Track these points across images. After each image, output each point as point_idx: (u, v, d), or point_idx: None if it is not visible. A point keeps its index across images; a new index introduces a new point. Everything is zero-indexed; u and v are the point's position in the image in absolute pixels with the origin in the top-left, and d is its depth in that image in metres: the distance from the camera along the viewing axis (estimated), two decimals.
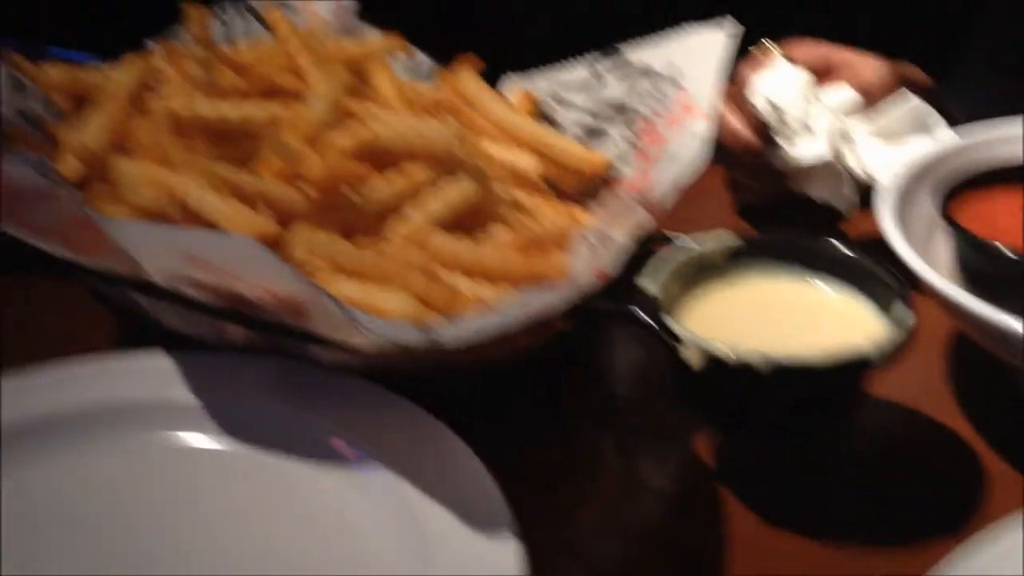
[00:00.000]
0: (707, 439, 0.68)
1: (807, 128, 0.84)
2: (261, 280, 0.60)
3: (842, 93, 0.86)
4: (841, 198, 0.85)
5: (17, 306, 0.82)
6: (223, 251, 0.60)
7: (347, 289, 0.63)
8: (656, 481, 0.69)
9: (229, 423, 0.66)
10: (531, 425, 0.71)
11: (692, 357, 0.60)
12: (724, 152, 0.87)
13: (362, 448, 0.63)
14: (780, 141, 0.85)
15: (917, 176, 0.76)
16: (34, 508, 0.61)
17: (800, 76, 0.86)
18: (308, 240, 0.63)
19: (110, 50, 0.88)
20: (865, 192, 0.83)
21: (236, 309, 0.65)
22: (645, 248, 0.70)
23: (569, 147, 0.79)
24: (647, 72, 0.82)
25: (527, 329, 0.62)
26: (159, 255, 0.63)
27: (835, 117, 0.85)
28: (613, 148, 0.81)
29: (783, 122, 0.84)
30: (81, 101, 0.81)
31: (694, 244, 0.69)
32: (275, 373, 0.67)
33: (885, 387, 0.67)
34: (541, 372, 0.72)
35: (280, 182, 0.67)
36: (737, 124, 0.87)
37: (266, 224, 0.65)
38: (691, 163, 0.73)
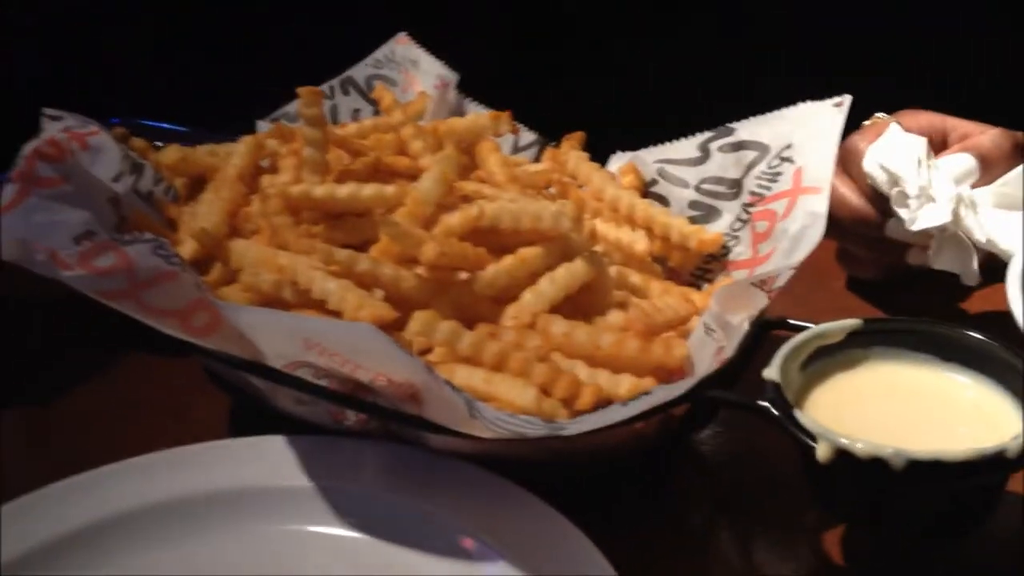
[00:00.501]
0: (836, 535, 0.66)
1: (926, 195, 0.81)
2: (380, 366, 0.60)
3: (961, 161, 0.83)
4: (965, 268, 0.81)
5: (130, 383, 0.83)
6: (342, 337, 0.60)
7: (467, 377, 0.62)
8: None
9: (344, 509, 0.65)
10: (643, 510, 0.69)
11: (821, 450, 0.58)
12: (836, 224, 0.85)
13: (479, 537, 0.62)
14: (897, 209, 0.82)
15: None
16: None
17: (917, 142, 0.82)
18: (427, 326, 0.62)
19: (221, 128, 0.90)
20: (987, 262, 0.80)
21: (354, 394, 0.65)
22: (760, 330, 0.68)
23: (680, 225, 0.78)
24: (759, 148, 0.81)
25: (644, 417, 0.61)
26: (278, 340, 0.63)
27: (955, 184, 0.82)
28: (725, 226, 0.80)
29: (900, 190, 0.81)
30: (195, 181, 0.83)
31: (811, 326, 0.67)
32: (389, 459, 0.67)
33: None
34: (656, 458, 0.71)
35: (394, 264, 0.67)
36: (850, 193, 0.85)
37: (383, 308, 0.64)
38: (807, 240, 0.72)
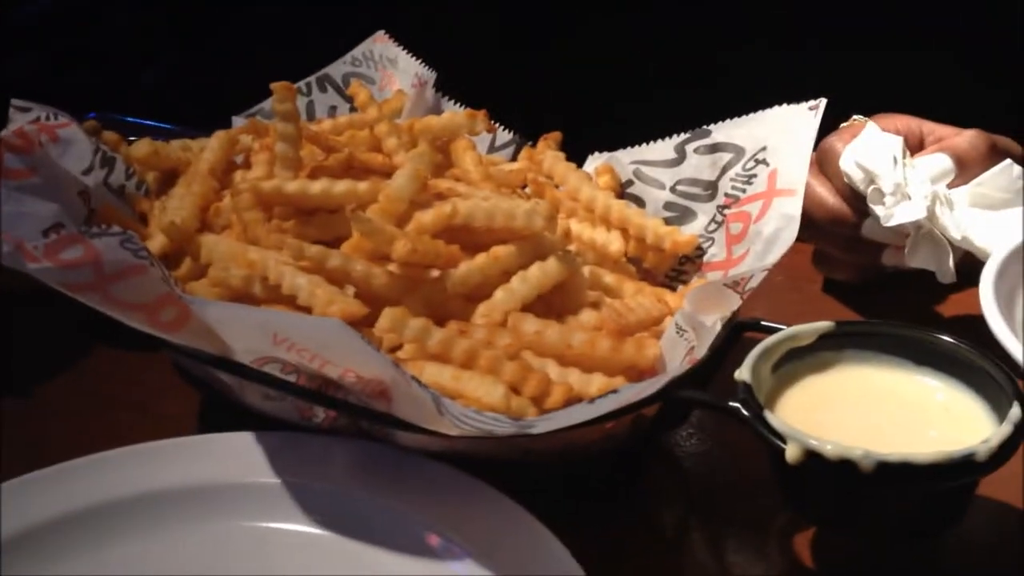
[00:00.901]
0: (807, 537, 0.66)
1: (902, 192, 0.80)
2: (348, 362, 0.60)
3: (937, 160, 0.83)
4: (941, 265, 0.81)
5: (100, 377, 0.82)
6: (311, 333, 0.59)
7: (436, 374, 0.62)
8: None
9: (312, 506, 0.65)
10: (613, 510, 0.69)
11: (791, 452, 0.58)
12: (812, 225, 0.85)
13: (447, 535, 0.62)
14: (873, 207, 0.82)
15: (1019, 253, 0.74)
16: None
17: (893, 141, 0.82)
18: (397, 322, 0.62)
19: (196, 124, 0.89)
20: (961, 266, 0.80)
21: (322, 391, 0.64)
22: (733, 331, 0.68)
23: (655, 226, 0.78)
24: (734, 150, 0.81)
25: (614, 416, 0.60)
26: (246, 335, 0.63)
27: (931, 182, 0.82)
28: (700, 227, 0.80)
29: (876, 188, 0.81)
30: (167, 175, 0.82)
31: (784, 328, 0.67)
32: (357, 456, 0.66)
33: (994, 487, 0.64)
34: (625, 457, 0.71)
35: (366, 261, 0.66)
36: (826, 193, 0.85)
37: (354, 305, 0.64)
38: (780, 242, 0.72)
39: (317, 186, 0.70)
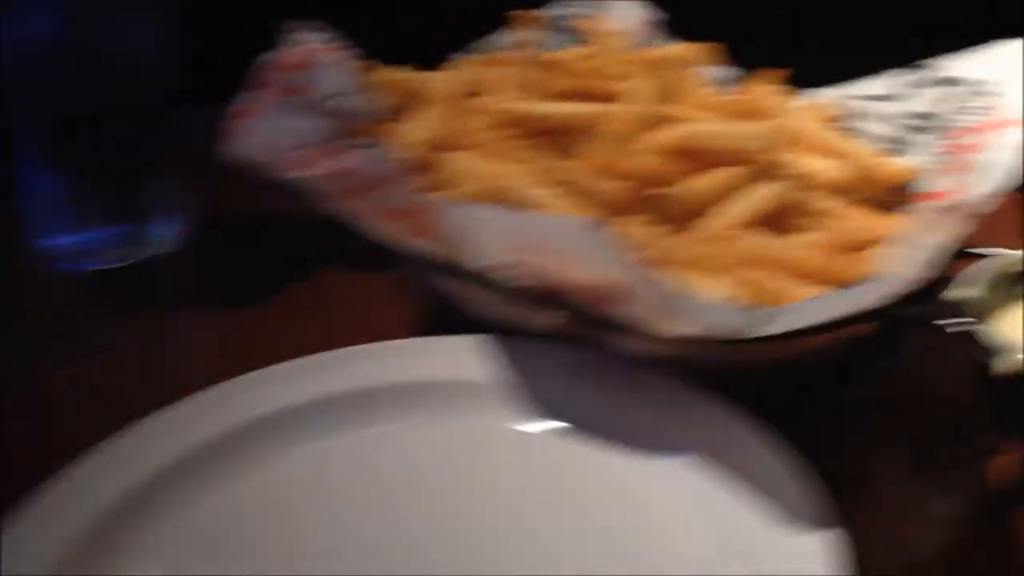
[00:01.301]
0: (1017, 456, 0.67)
1: None
2: (585, 265, 0.64)
3: None
4: None
5: (320, 296, 0.87)
6: (552, 234, 0.63)
7: (670, 277, 0.65)
8: (955, 499, 0.68)
9: (536, 407, 0.67)
10: (826, 426, 0.71)
11: (1009, 363, 0.59)
12: None
13: (671, 441, 0.63)
14: None
15: None
16: (340, 478, 0.63)
17: None
18: (632, 230, 0.66)
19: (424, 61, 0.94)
20: None
21: (556, 297, 0.68)
22: (955, 261, 0.69)
23: (872, 156, 0.80)
24: (954, 83, 0.82)
25: (834, 328, 0.63)
26: (487, 238, 0.67)
27: None
28: (919, 159, 0.81)
29: None
30: (407, 101, 0.88)
31: (1008, 253, 0.68)
32: (584, 361, 0.69)
33: None
34: (839, 374, 0.73)
35: (600, 176, 0.71)
36: None
37: (592, 213, 0.68)
38: (1005, 174, 0.72)
39: (561, 108, 0.75)
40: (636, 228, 0.66)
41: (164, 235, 0.91)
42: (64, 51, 0.83)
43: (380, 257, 0.74)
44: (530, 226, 0.64)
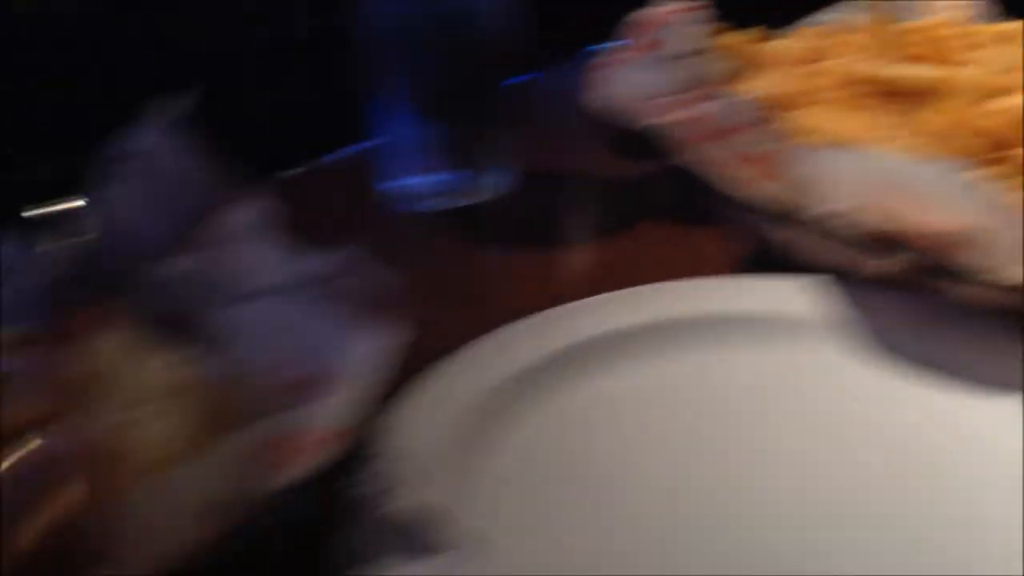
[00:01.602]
0: None
1: None
2: (943, 209, 0.67)
3: None
4: None
5: (650, 245, 0.93)
6: (914, 177, 0.67)
7: None
8: None
9: (863, 345, 0.70)
10: None
11: None
12: None
13: (1005, 389, 0.66)
14: None
15: None
16: (662, 395, 0.69)
17: None
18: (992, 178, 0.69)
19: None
20: None
21: (897, 241, 0.71)
22: None
23: None
24: None
25: None
26: (843, 182, 0.71)
27: None
28: None
29: None
30: (747, 67, 0.94)
31: None
32: (916, 305, 0.72)
33: None
34: None
35: (953, 131, 0.74)
36: None
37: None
38: None
39: (915, 70, 0.79)
40: (994, 179, 0.69)
41: (494, 182, 1.00)
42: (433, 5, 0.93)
43: (705, 212, 0.79)
44: (891, 170, 0.68)
